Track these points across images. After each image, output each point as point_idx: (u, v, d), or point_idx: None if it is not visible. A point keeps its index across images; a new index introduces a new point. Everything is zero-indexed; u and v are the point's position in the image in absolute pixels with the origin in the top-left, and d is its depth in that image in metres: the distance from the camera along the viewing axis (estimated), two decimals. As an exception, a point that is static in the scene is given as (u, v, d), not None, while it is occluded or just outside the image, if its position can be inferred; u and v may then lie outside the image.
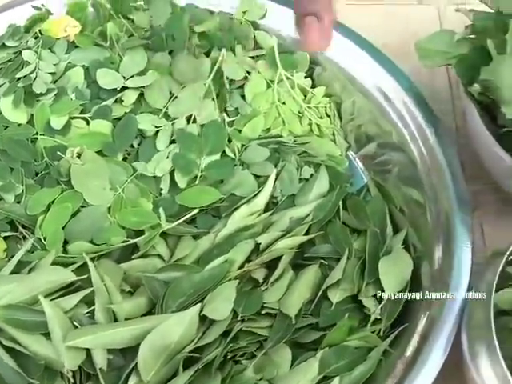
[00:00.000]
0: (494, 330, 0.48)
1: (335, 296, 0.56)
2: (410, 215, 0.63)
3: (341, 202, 0.63)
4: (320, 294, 0.56)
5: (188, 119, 0.64)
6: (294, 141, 0.67)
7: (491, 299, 0.50)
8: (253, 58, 0.69)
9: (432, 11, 0.80)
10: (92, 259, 0.57)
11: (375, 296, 0.57)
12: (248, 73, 0.68)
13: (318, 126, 0.68)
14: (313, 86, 0.70)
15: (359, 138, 0.70)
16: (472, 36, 0.63)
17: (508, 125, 0.59)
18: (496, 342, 0.48)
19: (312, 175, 0.65)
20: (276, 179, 0.64)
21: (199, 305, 0.53)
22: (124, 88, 0.64)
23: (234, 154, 0.64)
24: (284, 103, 0.68)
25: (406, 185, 0.64)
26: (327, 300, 0.56)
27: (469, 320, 0.52)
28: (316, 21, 0.52)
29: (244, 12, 0.70)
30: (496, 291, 0.53)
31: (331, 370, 0.53)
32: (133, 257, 0.58)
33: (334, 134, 0.69)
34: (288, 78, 0.68)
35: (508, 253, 0.52)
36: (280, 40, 0.70)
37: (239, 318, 0.54)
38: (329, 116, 0.70)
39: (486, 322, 0.49)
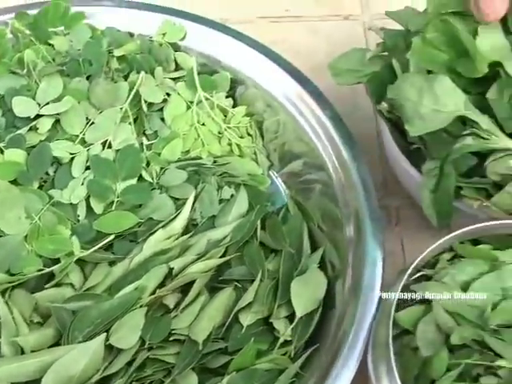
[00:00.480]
0: (391, 350, 0.49)
1: (246, 319, 0.56)
2: (329, 233, 0.63)
3: (260, 222, 0.63)
4: (232, 317, 0.56)
5: (103, 144, 0.64)
6: (214, 161, 0.67)
7: (390, 318, 0.50)
8: (174, 79, 0.69)
9: (357, 27, 0.80)
10: (6, 290, 0.57)
11: (288, 317, 0.57)
12: (168, 95, 0.68)
13: (238, 145, 0.68)
14: (235, 106, 0.71)
15: (283, 156, 0.70)
16: (385, 53, 0.64)
17: (416, 142, 0.60)
18: (393, 363, 0.48)
19: (232, 195, 0.65)
20: (196, 201, 0.64)
21: (104, 334, 0.53)
22: (39, 115, 0.64)
23: (152, 178, 0.64)
24: (204, 124, 0.68)
25: (325, 202, 0.64)
26: (238, 323, 0.56)
27: (373, 339, 0.53)
28: None
29: (163, 34, 0.70)
30: (402, 309, 0.53)
31: (239, 394, 0.53)
32: (46, 286, 0.58)
33: (255, 153, 0.69)
34: (207, 99, 0.68)
35: (409, 272, 0.52)
36: (204, 60, 0.70)
37: (146, 346, 0.54)
38: (250, 135, 0.70)
39: (386, 342, 0.49)
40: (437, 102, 0.55)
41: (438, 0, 0.59)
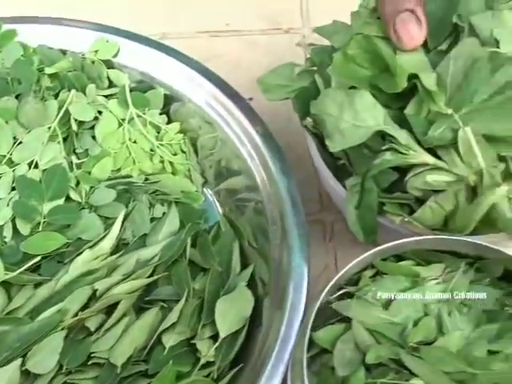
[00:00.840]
0: (305, 370, 0.48)
1: (169, 340, 0.56)
2: (260, 250, 0.63)
3: (191, 240, 0.63)
4: (154, 338, 0.55)
5: (30, 164, 0.63)
6: (146, 179, 0.66)
7: (305, 337, 0.50)
8: (107, 96, 0.69)
9: (297, 40, 0.80)
10: None
11: (212, 337, 0.56)
12: (100, 112, 0.67)
13: (170, 163, 0.68)
14: (170, 122, 0.70)
15: (219, 173, 0.70)
16: (314, 68, 0.63)
17: (342, 157, 0.59)
18: (306, 383, 0.48)
19: (164, 213, 0.65)
20: (126, 220, 0.64)
21: (20, 359, 0.52)
22: (-35, 137, 0.63)
23: (81, 198, 0.64)
24: (135, 142, 0.67)
25: (257, 219, 0.64)
26: (161, 345, 0.56)
27: (293, 358, 0.52)
28: (410, 15, 0.52)
29: (96, 51, 0.70)
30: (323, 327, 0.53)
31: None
32: (-31, 311, 0.57)
33: (189, 170, 0.69)
34: (139, 116, 0.68)
35: (326, 290, 0.51)
36: (141, 77, 0.70)
37: (64, 371, 0.53)
38: (184, 152, 0.69)
39: (301, 361, 0.49)
40: (356, 117, 0.55)
41: (362, 20, 0.59)
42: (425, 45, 0.56)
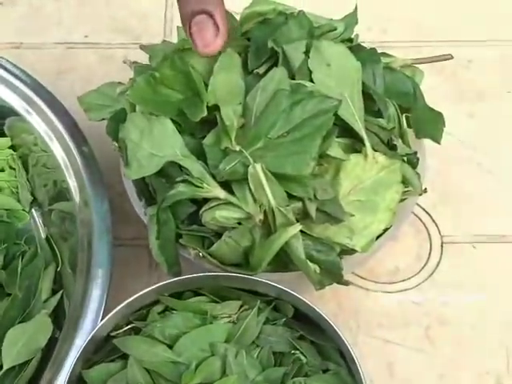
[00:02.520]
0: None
1: None
2: (76, 276, 0.60)
3: (2, 261, 0.60)
4: None
5: None
6: (-35, 196, 0.64)
7: (67, 373, 0.47)
8: None
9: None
10: None
11: None
12: None
13: (-5, 179, 0.65)
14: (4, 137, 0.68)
15: (51, 193, 0.67)
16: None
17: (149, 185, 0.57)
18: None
19: (-17, 233, 0.62)
20: None
21: None
22: None
23: None
24: (-42, 157, 0.65)
25: (73, 243, 0.61)
26: None
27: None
28: (207, 19, 0.46)
29: None
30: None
31: None
32: None
33: (17, 187, 0.66)
34: (-35, 130, 0.65)
35: (101, 323, 0.49)
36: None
37: None
38: (13, 168, 0.67)
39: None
40: (154, 145, 0.53)
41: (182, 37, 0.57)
42: (246, 65, 0.54)
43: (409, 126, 0.59)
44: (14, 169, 0.67)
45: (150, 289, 0.51)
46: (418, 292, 0.64)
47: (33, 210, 0.67)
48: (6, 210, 0.65)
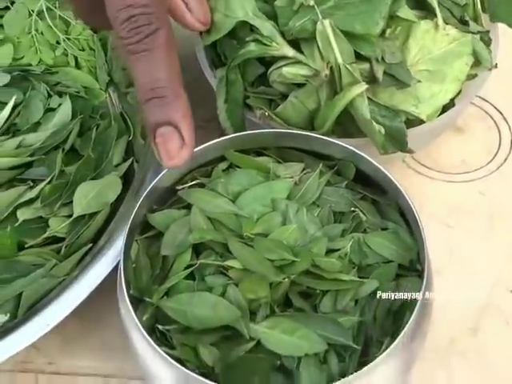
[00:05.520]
0: (123, 252, 0.48)
1: (23, 214, 0.56)
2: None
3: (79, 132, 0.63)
4: (10, 211, 0.56)
5: None
6: (47, 70, 0.67)
7: (129, 220, 0.49)
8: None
9: None
10: None
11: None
12: (13, 3, 0.68)
13: (75, 57, 0.68)
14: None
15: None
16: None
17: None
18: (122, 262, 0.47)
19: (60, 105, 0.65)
20: (22, 106, 0.64)
21: None
22: None
23: (-24, 80, 0.64)
24: (42, 33, 0.68)
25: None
26: (15, 218, 0.56)
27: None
28: (172, 130, 0.44)
29: None
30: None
31: None
32: None
33: (94, 67, 0.69)
34: (50, 9, 0.68)
35: (161, 175, 0.51)
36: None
37: None
38: (92, 49, 0.69)
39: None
40: (228, 7, 0.54)
41: None
42: None
43: (484, 11, 0.58)
44: (94, 49, 0.69)
45: (214, 141, 0.52)
46: (483, 183, 0.63)
47: (109, 90, 0.69)
48: (85, 87, 0.67)
